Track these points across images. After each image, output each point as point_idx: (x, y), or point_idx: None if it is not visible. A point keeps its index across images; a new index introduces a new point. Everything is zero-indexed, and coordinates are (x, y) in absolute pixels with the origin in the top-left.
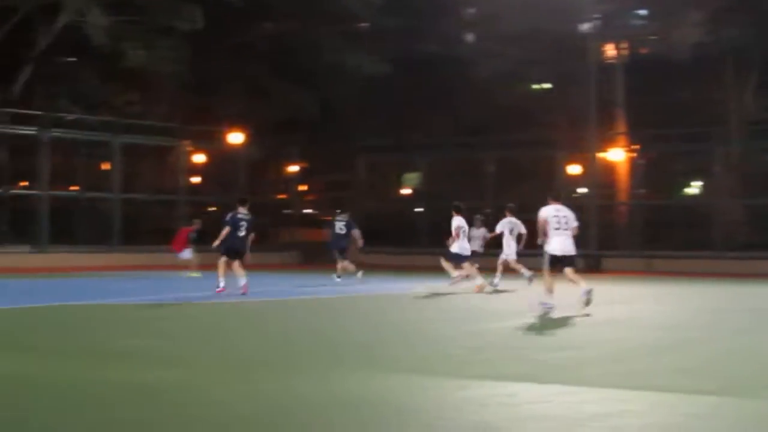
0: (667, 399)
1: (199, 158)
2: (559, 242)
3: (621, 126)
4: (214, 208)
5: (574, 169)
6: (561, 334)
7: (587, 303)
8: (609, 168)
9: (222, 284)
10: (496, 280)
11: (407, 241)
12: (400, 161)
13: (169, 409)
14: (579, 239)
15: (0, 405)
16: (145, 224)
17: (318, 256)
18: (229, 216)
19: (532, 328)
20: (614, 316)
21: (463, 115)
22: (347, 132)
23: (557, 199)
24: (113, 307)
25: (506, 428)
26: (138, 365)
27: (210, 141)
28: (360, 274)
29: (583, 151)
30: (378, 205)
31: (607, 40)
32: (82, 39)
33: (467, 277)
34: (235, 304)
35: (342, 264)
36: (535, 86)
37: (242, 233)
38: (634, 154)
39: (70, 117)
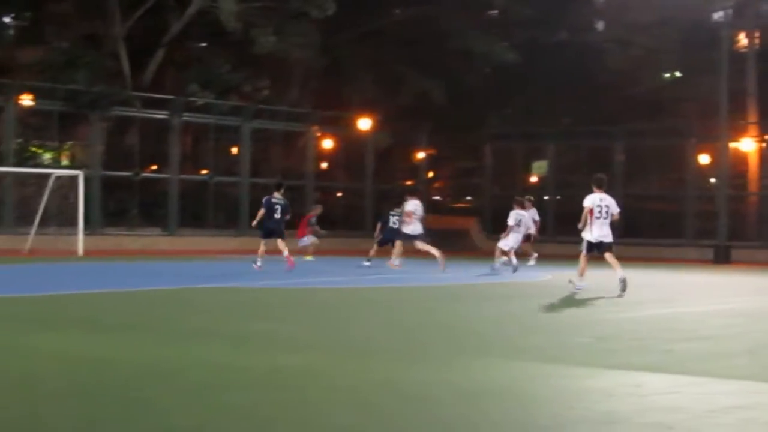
0: None
1: (328, 144)
2: (598, 230)
3: (752, 115)
4: (340, 194)
5: (704, 159)
6: (687, 325)
7: (622, 290)
8: (740, 158)
9: (259, 263)
10: (532, 261)
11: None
12: (529, 149)
13: (291, 394)
14: (707, 230)
15: (125, 386)
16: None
17: (444, 243)
18: (264, 200)
19: (656, 319)
20: (745, 307)
21: (593, 103)
22: (476, 119)
23: (601, 187)
24: (240, 291)
25: (634, 419)
26: (262, 349)
27: (338, 126)
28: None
29: (713, 141)
30: (505, 192)
31: (738, 29)
32: (213, 25)
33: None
34: (357, 289)
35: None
36: (666, 75)
37: (277, 216)
38: (766, 144)
39: (201, 102)
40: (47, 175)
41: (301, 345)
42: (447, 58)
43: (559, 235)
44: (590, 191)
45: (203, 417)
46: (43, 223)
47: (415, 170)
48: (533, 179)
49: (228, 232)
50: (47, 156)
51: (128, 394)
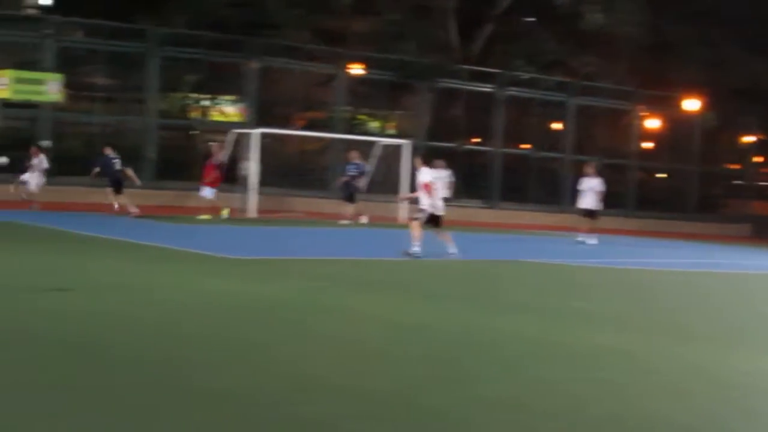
0: None
1: (652, 123)
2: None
3: None
4: (663, 175)
5: None
6: None
7: None
8: None
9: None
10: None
11: None
12: None
13: (604, 373)
14: None
15: (441, 354)
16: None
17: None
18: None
19: None
20: None
21: None
22: None
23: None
24: (555, 267)
25: None
26: (576, 326)
27: (664, 106)
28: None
29: None
30: None
31: None
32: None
33: None
34: (670, 272)
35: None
36: None
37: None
38: None
39: (526, 76)
40: (373, 143)
41: (613, 324)
42: None
43: None
44: None
45: (517, 389)
46: (368, 189)
47: (742, 154)
48: None
49: (549, 207)
50: (374, 124)
51: (444, 362)
